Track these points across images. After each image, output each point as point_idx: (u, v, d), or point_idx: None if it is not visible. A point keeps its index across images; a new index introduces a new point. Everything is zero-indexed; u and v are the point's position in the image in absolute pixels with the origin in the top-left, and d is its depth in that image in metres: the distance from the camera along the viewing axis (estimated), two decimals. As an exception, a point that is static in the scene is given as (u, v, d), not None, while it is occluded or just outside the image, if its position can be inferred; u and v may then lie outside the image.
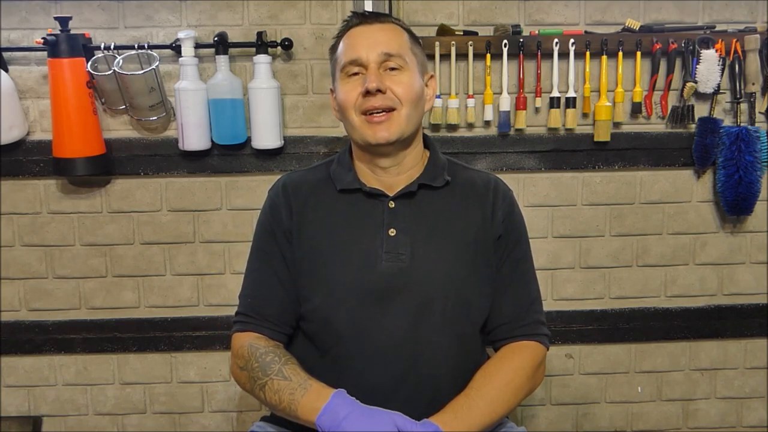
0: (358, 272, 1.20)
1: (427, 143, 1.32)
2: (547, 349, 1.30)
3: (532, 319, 1.28)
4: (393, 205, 1.23)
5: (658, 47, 1.82)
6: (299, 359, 1.22)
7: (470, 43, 1.81)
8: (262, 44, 1.78)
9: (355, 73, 1.21)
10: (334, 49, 1.27)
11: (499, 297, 1.27)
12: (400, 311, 1.19)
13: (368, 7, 1.74)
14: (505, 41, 1.80)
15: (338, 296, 1.21)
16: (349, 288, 1.20)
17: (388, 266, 1.20)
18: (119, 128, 1.88)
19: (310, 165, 1.38)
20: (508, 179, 1.88)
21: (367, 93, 1.18)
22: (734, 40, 1.82)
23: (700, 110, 1.89)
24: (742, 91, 1.86)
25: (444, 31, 1.82)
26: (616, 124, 1.90)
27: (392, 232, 1.22)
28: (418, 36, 1.30)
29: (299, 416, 1.13)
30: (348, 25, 1.25)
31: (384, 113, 1.19)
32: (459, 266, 1.23)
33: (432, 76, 1.30)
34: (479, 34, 1.84)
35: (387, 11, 1.79)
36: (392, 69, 1.20)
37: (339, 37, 1.26)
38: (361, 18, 1.24)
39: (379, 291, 1.20)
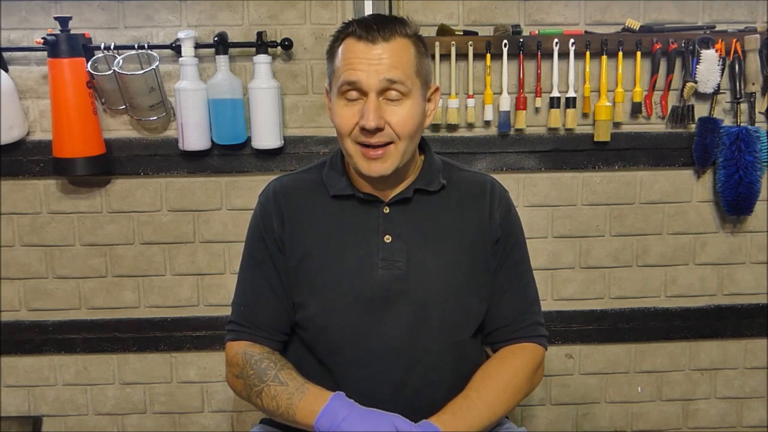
0: (354, 280, 1.19)
1: (422, 145, 1.28)
2: (546, 350, 1.30)
3: (531, 321, 1.28)
4: (388, 211, 1.21)
5: (658, 47, 1.82)
6: (295, 367, 1.21)
7: (470, 43, 1.81)
8: (262, 44, 1.78)
9: (354, 95, 1.12)
10: (332, 52, 1.17)
11: (498, 299, 1.26)
12: (398, 319, 1.18)
13: (368, 8, 1.74)
14: (505, 41, 1.80)
15: (334, 305, 1.19)
16: (345, 296, 1.19)
17: (384, 274, 1.18)
18: (119, 128, 1.88)
19: (301, 168, 1.34)
20: (508, 179, 1.90)
21: (364, 129, 1.11)
22: (734, 40, 1.82)
23: (700, 110, 1.89)
24: (742, 91, 1.86)
25: (444, 31, 1.82)
26: (616, 124, 1.90)
27: (388, 238, 1.20)
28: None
29: (297, 420, 1.12)
30: (349, 31, 1.13)
31: (381, 148, 1.13)
32: (456, 272, 1.21)
33: (437, 89, 1.22)
34: (479, 34, 1.84)
35: (387, 11, 1.78)
36: (394, 99, 1.11)
37: (337, 40, 1.16)
38: (365, 31, 1.10)
39: (375, 299, 1.18)
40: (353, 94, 1.12)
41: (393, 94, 1.11)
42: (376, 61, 1.10)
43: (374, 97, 1.10)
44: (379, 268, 1.19)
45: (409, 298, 1.19)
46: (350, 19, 1.17)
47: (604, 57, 1.83)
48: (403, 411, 1.17)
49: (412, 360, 1.19)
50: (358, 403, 1.14)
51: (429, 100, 1.21)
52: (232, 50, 1.82)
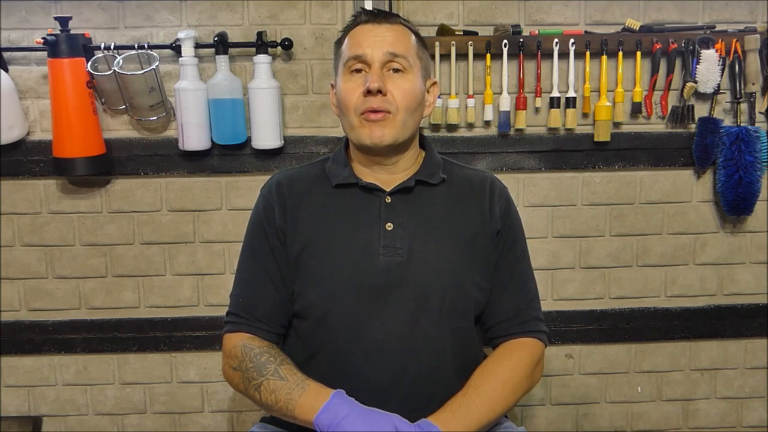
0: (355, 267, 1.20)
1: (424, 143, 1.32)
2: (546, 346, 1.30)
3: (530, 316, 1.29)
4: (390, 200, 1.23)
5: (658, 47, 1.82)
6: (291, 358, 1.21)
7: (470, 43, 1.81)
8: (262, 44, 1.78)
9: (358, 70, 1.20)
10: (339, 43, 1.25)
11: (498, 294, 1.27)
12: (398, 306, 1.19)
13: (368, 7, 1.74)
14: (505, 41, 1.80)
15: (336, 292, 1.20)
16: (347, 283, 1.20)
17: (385, 261, 1.20)
18: (119, 128, 1.88)
19: (303, 164, 1.37)
20: (508, 179, 1.90)
21: (368, 92, 1.17)
22: (734, 40, 1.82)
23: (700, 110, 1.89)
24: (742, 91, 1.86)
25: (444, 31, 1.82)
26: (616, 124, 1.90)
27: (389, 226, 1.22)
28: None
29: (296, 416, 1.12)
30: (356, 21, 1.24)
31: (381, 113, 1.18)
32: (457, 260, 1.23)
33: (435, 83, 1.29)
34: (479, 34, 1.84)
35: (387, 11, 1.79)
36: (396, 71, 1.19)
37: (345, 31, 1.25)
38: (370, 16, 1.22)
39: (376, 286, 1.19)
40: (358, 66, 1.20)
41: (395, 65, 1.19)
42: (380, 37, 1.20)
43: (378, 66, 1.19)
44: (380, 255, 1.20)
45: (410, 285, 1.20)
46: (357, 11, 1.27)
47: (604, 57, 1.83)
48: (404, 398, 1.19)
49: (412, 346, 1.20)
50: (358, 391, 1.15)
51: (428, 91, 1.27)
52: (232, 50, 1.82)
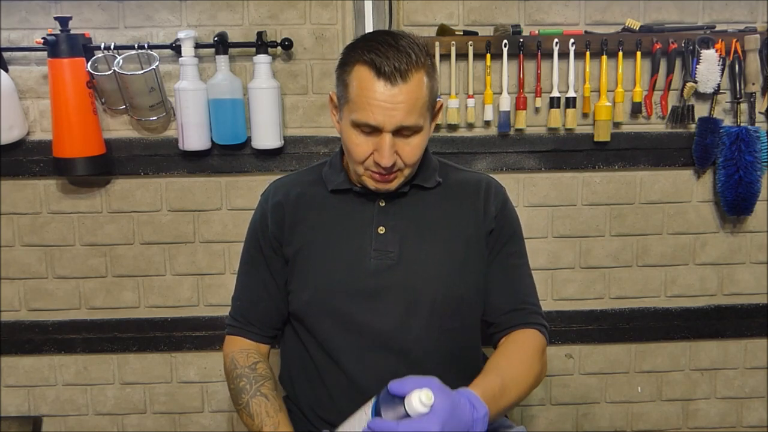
0: (346, 270, 1.22)
1: None
2: (547, 340, 1.27)
3: (529, 310, 1.28)
4: (384, 204, 1.24)
5: (658, 47, 1.82)
6: (290, 356, 1.24)
7: (470, 43, 1.81)
8: (262, 44, 1.78)
9: (367, 131, 1.14)
10: (343, 70, 1.15)
11: (494, 290, 1.27)
12: (389, 308, 1.20)
13: (368, 8, 1.74)
14: (505, 41, 1.80)
15: (327, 294, 1.22)
16: (338, 285, 1.22)
17: (376, 264, 1.21)
18: (119, 128, 1.88)
19: (303, 168, 1.40)
20: (508, 179, 1.90)
21: (379, 165, 1.15)
22: (734, 40, 1.82)
23: (700, 110, 1.89)
24: (742, 91, 1.86)
25: (444, 31, 1.82)
26: (616, 124, 1.90)
27: (381, 230, 1.23)
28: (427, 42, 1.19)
29: None
30: (365, 59, 1.11)
31: (389, 174, 1.18)
32: (449, 263, 1.23)
33: (441, 106, 1.25)
34: (479, 34, 1.84)
35: (387, 12, 1.79)
36: (406, 136, 1.15)
37: (352, 62, 1.13)
38: (383, 67, 1.09)
39: (367, 289, 1.21)
40: (367, 130, 1.14)
41: (406, 132, 1.15)
42: (392, 105, 1.11)
43: (389, 138, 1.13)
44: (371, 258, 1.21)
45: (401, 288, 1.20)
46: (363, 41, 1.14)
47: (604, 57, 1.83)
48: None
49: (403, 349, 1.21)
50: (350, 393, 1.17)
51: (433, 118, 1.23)
52: (232, 50, 1.82)
